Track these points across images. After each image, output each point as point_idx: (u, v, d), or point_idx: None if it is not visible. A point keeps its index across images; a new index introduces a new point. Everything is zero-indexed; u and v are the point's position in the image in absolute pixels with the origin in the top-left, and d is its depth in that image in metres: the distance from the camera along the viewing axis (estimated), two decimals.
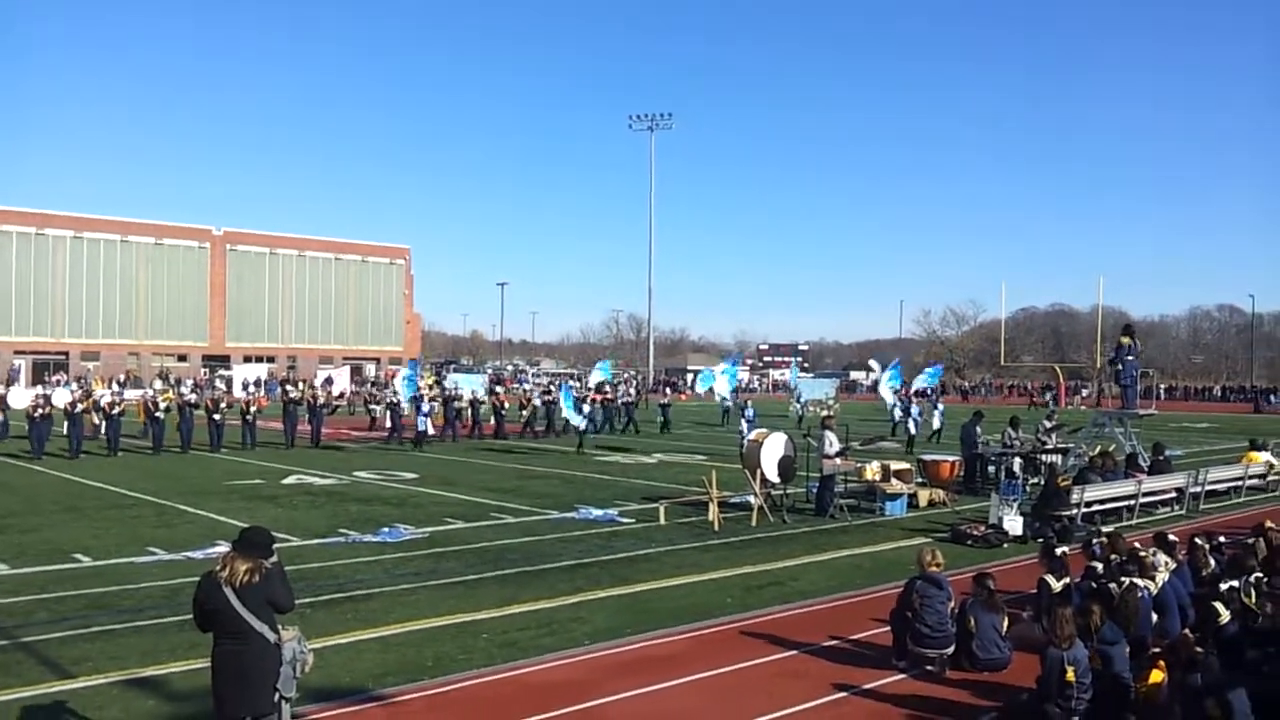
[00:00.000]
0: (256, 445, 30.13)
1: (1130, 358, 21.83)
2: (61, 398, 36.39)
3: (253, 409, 31.18)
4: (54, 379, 66.21)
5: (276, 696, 5.87)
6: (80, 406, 29.05)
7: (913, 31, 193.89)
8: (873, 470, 19.39)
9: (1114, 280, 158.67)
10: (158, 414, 29.58)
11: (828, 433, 18.19)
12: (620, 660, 9.23)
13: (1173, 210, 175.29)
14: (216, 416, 29.98)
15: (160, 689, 8.26)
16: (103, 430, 29.30)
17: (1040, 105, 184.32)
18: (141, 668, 8.77)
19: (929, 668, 8.97)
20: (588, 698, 8.13)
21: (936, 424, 35.20)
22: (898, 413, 36.06)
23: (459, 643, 9.73)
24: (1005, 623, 9.16)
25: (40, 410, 27.75)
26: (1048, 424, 23.78)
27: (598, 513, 17.89)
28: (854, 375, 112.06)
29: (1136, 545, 10.44)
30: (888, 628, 9.48)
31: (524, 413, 38.18)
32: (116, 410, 29.25)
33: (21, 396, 37.10)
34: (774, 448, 17.77)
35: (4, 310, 69.92)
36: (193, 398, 34.19)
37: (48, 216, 73.97)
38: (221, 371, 75.83)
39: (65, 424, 28.96)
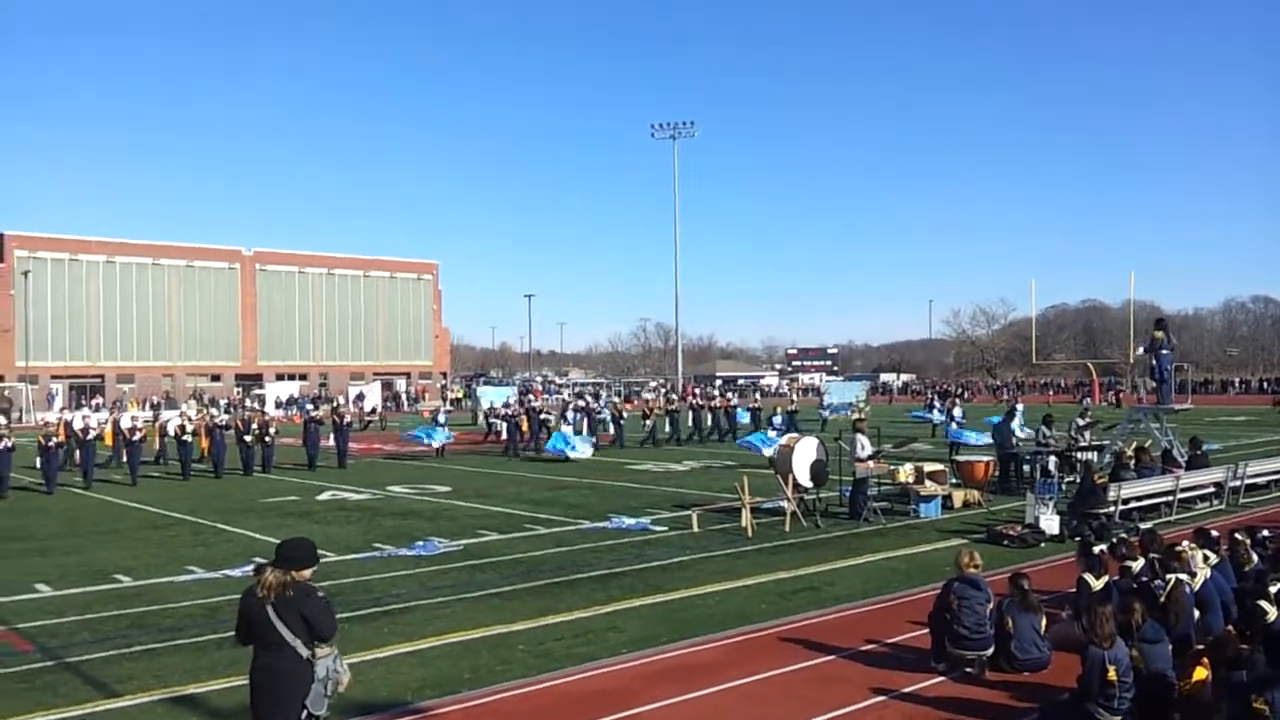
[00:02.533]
0: (271, 468, 28.62)
1: (1164, 351, 21.57)
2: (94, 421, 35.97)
3: (272, 430, 29.92)
4: (92, 402, 67.01)
5: (305, 714, 5.81)
6: (140, 433, 28.47)
7: (937, 33, 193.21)
8: (906, 472, 19.29)
9: (1146, 274, 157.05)
10: (185, 438, 28.18)
11: (859, 436, 18.12)
12: (657, 668, 9.23)
13: (1203, 202, 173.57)
14: (248, 438, 28.90)
15: (202, 706, 8.34)
16: (123, 458, 28.06)
17: (1069, 102, 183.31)
18: (184, 686, 8.86)
19: (968, 670, 8.91)
20: (626, 706, 8.13)
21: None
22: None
23: (496, 654, 9.76)
24: (1043, 623, 9.07)
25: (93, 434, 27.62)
26: (1081, 421, 23.56)
27: (630, 521, 17.90)
28: (884, 377, 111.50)
29: (1185, 545, 10.30)
30: (925, 630, 9.42)
31: (647, 423, 37.66)
32: (137, 436, 28.01)
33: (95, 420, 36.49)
34: (806, 452, 17.72)
35: (40, 336, 70.88)
36: (224, 419, 32.94)
37: (81, 243, 75.03)
38: (255, 390, 76.49)
39: (74, 451, 28.54)
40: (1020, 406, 28.72)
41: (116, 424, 31.17)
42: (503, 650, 9.91)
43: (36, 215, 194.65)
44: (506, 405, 39.29)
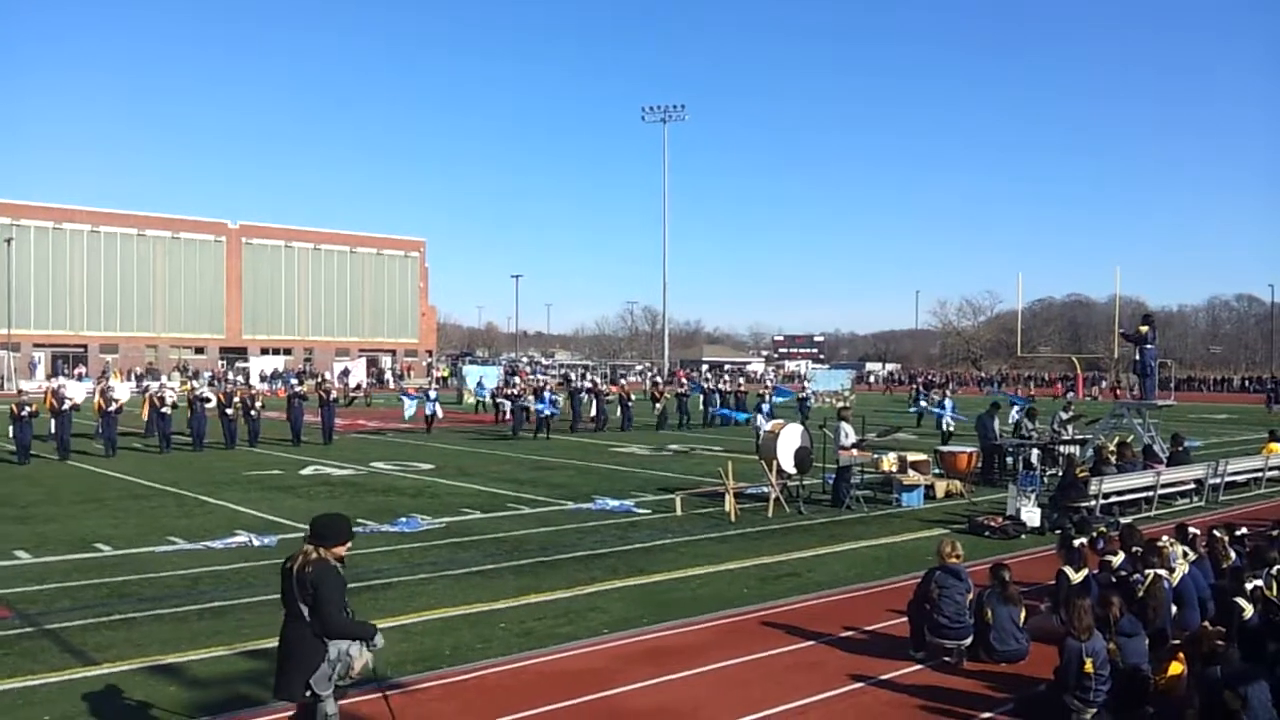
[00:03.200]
0: (259, 443, 28.35)
1: (1148, 347, 21.69)
2: (77, 391, 35.00)
3: (257, 404, 29.64)
4: (75, 372, 66.63)
5: (309, 691, 5.78)
6: (117, 404, 27.35)
7: (928, 24, 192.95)
8: (890, 461, 19.38)
9: (1131, 270, 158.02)
10: (164, 410, 27.93)
11: (844, 424, 18.17)
12: (637, 650, 9.26)
13: (1190, 200, 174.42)
14: (229, 411, 28.66)
15: (182, 676, 8.32)
16: (99, 429, 26.88)
17: (1057, 97, 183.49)
18: (163, 655, 8.84)
19: (946, 659, 8.96)
20: (605, 687, 8.16)
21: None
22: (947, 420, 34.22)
23: (477, 632, 9.78)
24: (1022, 614, 9.13)
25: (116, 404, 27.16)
26: (1064, 415, 23.68)
27: (614, 503, 17.92)
28: (870, 367, 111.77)
29: (1165, 541, 10.38)
30: (904, 619, 9.47)
31: (657, 406, 37.72)
32: (114, 407, 26.90)
33: (79, 390, 35.38)
34: (790, 439, 17.77)
35: (24, 304, 70.37)
36: (205, 392, 31.86)
37: (65, 211, 74.42)
38: (239, 364, 76.18)
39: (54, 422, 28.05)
40: (1019, 400, 28.58)
41: (150, 397, 30.42)
42: (484, 628, 9.92)
43: (20, 182, 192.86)
44: (512, 385, 38.98)
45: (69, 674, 8.35)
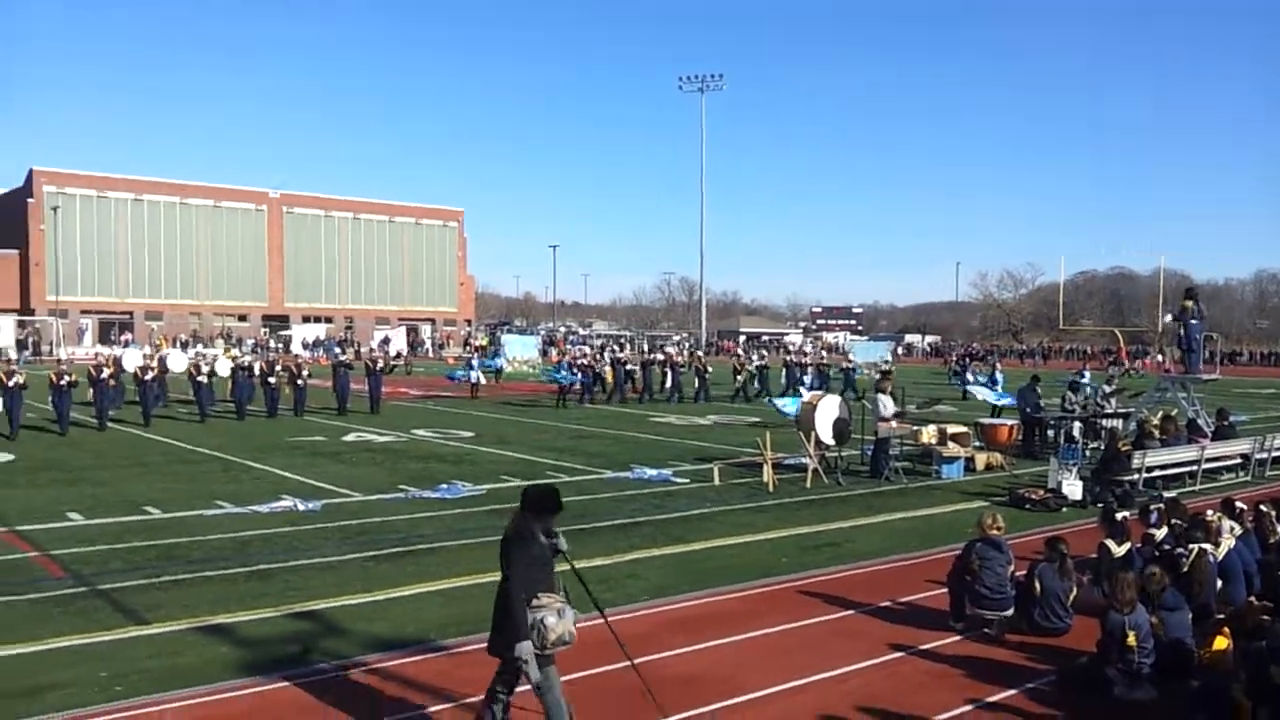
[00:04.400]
0: (305, 412, 28.04)
1: (1194, 321, 21.36)
2: (132, 360, 35.01)
3: (304, 373, 29.22)
4: (121, 338, 67.70)
5: (509, 652, 6.00)
6: (152, 372, 27.59)
7: None
8: (929, 433, 19.28)
9: (1176, 243, 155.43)
10: (200, 378, 27.45)
11: (882, 396, 18.09)
12: (675, 617, 9.33)
13: (1237, 171, 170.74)
14: (272, 380, 28.34)
15: (231, 635, 8.51)
16: (138, 397, 26.52)
17: (1102, 69, 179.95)
18: (212, 615, 9.04)
19: (986, 630, 8.95)
20: (645, 653, 8.22)
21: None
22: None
23: None
24: (1074, 593, 9.02)
25: (152, 372, 27.33)
26: (1107, 388, 23.42)
27: (652, 472, 17.99)
28: (909, 339, 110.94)
29: (1211, 515, 10.28)
30: (943, 590, 9.47)
31: (739, 378, 37.49)
32: (150, 375, 26.96)
33: (134, 358, 35.08)
34: (829, 410, 17.73)
35: (70, 271, 71.46)
36: (247, 360, 31.90)
37: (109, 180, 75.31)
38: (281, 332, 76.99)
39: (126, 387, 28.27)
40: (1087, 374, 27.90)
41: (162, 362, 30.58)
42: None
43: (65, 151, 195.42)
44: (584, 355, 38.93)
45: (121, 633, 8.56)
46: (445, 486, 16.11)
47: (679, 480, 17.42)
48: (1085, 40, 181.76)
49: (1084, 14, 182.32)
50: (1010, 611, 8.94)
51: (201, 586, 10.11)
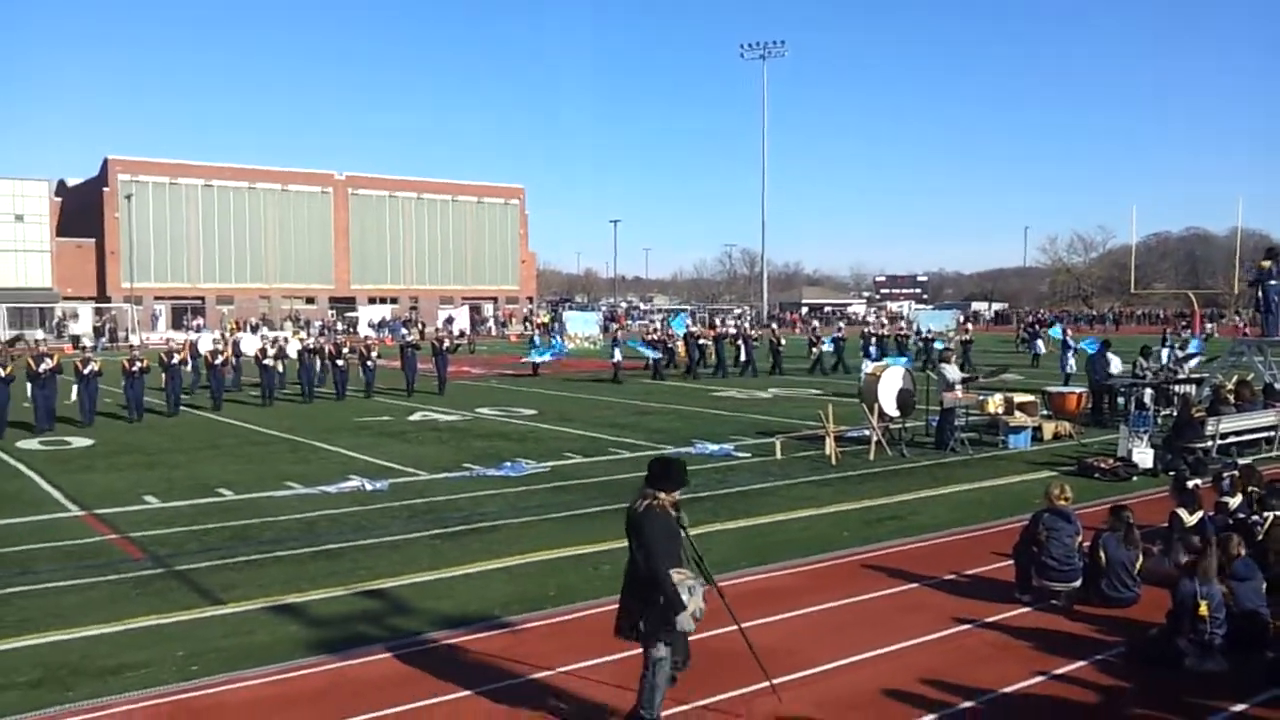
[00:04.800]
0: (374, 393, 27.96)
1: (1272, 282, 20.70)
2: (204, 345, 34.57)
3: (373, 354, 29.25)
4: (193, 323, 69.29)
5: (635, 632, 6.03)
6: (222, 356, 27.59)
7: None
8: (995, 403, 18.99)
9: (1253, 200, 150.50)
10: (266, 361, 27.19)
11: (946, 365, 17.85)
12: (740, 592, 9.29)
13: None
14: (340, 363, 28.19)
15: (301, 614, 8.71)
16: (208, 382, 26.74)
17: (1170, 23, 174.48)
18: (284, 595, 9.26)
19: (1054, 602, 8.84)
20: (707, 628, 8.21)
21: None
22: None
23: (580, 573, 9.98)
24: (1140, 561, 8.88)
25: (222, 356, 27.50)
26: (1180, 353, 22.85)
27: (714, 448, 17.99)
28: (975, 306, 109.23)
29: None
30: (1009, 562, 9.36)
31: (813, 351, 37.35)
32: (220, 360, 26.96)
33: (205, 343, 35.07)
34: (892, 381, 17.55)
35: (143, 258, 73.16)
36: (313, 343, 31.78)
37: (180, 166, 76.83)
38: (348, 314, 78.15)
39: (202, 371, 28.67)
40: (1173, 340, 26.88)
41: (235, 345, 30.53)
42: (587, 569, 10.13)
43: (138, 140, 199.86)
44: (656, 331, 38.87)
45: (198, 613, 8.81)
46: (509, 464, 16.28)
47: (741, 455, 17.40)
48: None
49: None
50: (1078, 583, 8.82)
51: (272, 566, 10.35)
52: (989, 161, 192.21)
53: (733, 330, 40.29)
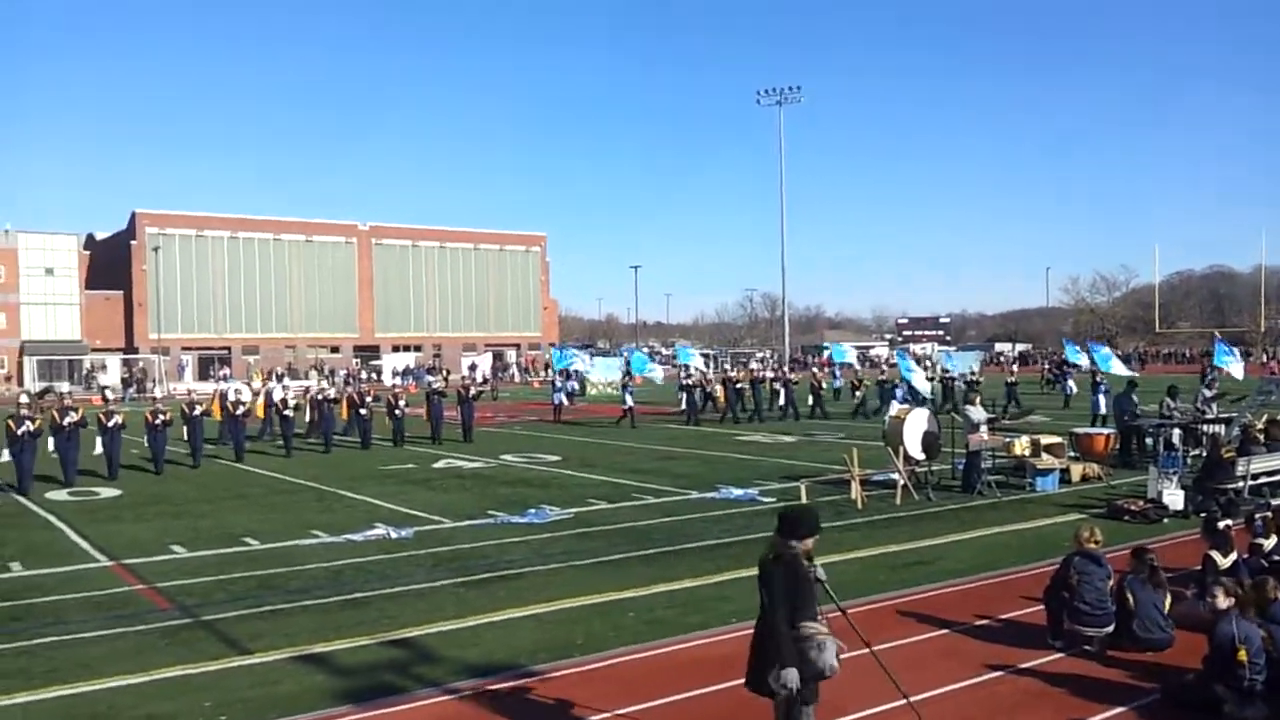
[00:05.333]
0: (404, 443, 27.61)
1: None
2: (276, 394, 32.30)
3: (401, 403, 28.56)
4: (220, 373, 69.83)
5: (767, 686, 5.85)
6: (244, 407, 27.00)
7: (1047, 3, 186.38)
8: (1022, 445, 18.85)
9: (1278, 236, 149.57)
10: (286, 412, 26.86)
11: (971, 406, 17.75)
12: None
13: None
14: (363, 412, 27.83)
15: (328, 664, 8.69)
16: (275, 426, 26.96)
17: (1190, 57, 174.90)
18: (310, 644, 9.25)
19: (1086, 647, 8.71)
20: (735, 675, 8.13)
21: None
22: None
23: (607, 620, 9.93)
24: (1168, 601, 8.80)
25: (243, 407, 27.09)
26: (1208, 392, 22.64)
27: (738, 492, 17.92)
28: (999, 347, 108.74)
29: None
30: (1039, 607, 9.25)
31: (856, 394, 36.52)
32: (242, 410, 26.58)
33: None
34: (917, 424, 17.47)
35: (170, 309, 74.06)
36: (332, 392, 31.47)
37: (206, 219, 78.01)
38: (372, 362, 78.63)
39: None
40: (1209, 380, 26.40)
41: (269, 395, 30.35)
42: (614, 617, 10.07)
43: (165, 194, 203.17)
44: (690, 375, 38.34)
45: (225, 663, 8.81)
46: (533, 511, 16.27)
47: (766, 500, 17.31)
48: (1169, 40, 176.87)
49: (1167, 16, 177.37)
50: (1111, 628, 8.70)
51: (299, 616, 10.35)
52: (1009, 201, 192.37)
53: (770, 374, 39.48)
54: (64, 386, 47.15)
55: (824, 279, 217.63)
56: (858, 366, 52.34)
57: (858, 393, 36.55)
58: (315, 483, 20.68)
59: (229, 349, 77.63)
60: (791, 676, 5.73)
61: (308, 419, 30.32)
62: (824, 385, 37.21)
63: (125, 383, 64.72)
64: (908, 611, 10.06)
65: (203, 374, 72.80)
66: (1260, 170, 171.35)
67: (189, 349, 75.89)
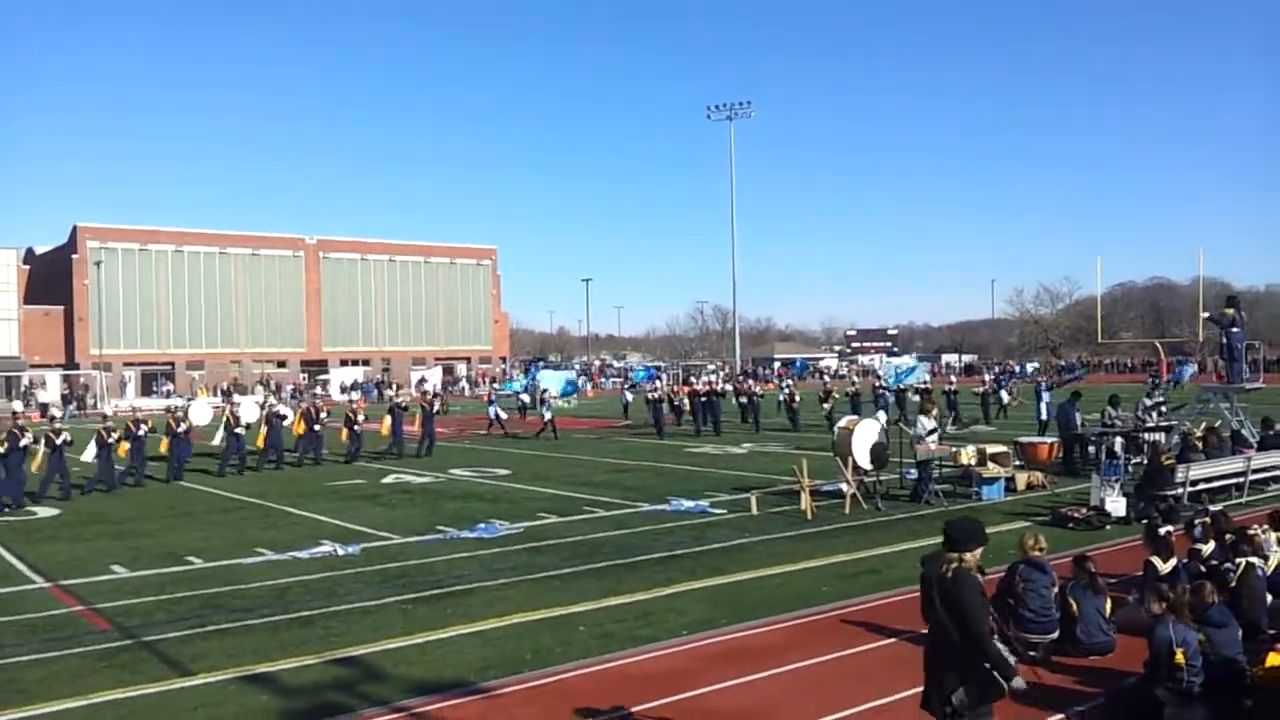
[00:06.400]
0: (358, 458, 27.13)
1: (1235, 330, 21.02)
2: (199, 413, 32.45)
3: (359, 417, 28.10)
4: (163, 389, 68.66)
5: (949, 708, 5.59)
6: (184, 424, 25.94)
7: (992, 12, 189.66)
8: (968, 454, 19.07)
9: (1215, 251, 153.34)
10: (237, 430, 25.94)
11: (922, 416, 17.93)
12: (718, 650, 9.26)
13: (1276, 175, 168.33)
14: (316, 428, 27.09)
15: (273, 685, 8.54)
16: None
17: (1131, 77, 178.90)
18: (254, 665, 9.08)
19: (1032, 654, 8.80)
20: (687, 688, 8.18)
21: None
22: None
23: (557, 635, 9.87)
24: (1108, 605, 8.95)
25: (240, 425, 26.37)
26: (1148, 401, 23.09)
27: (689, 504, 17.93)
28: (946, 358, 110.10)
29: (1257, 529, 10.08)
30: None
31: (825, 406, 35.46)
32: (183, 428, 25.62)
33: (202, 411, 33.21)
34: (866, 434, 17.60)
35: (113, 324, 72.65)
36: (282, 409, 30.21)
37: (150, 233, 76.65)
38: (319, 376, 77.71)
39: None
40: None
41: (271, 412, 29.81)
42: (564, 631, 10.01)
43: (107, 207, 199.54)
44: (655, 389, 37.90)
45: (167, 684, 8.62)
46: (483, 526, 16.14)
47: (716, 511, 17.34)
48: (1114, 50, 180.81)
49: (1111, 24, 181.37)
50: (1056, 634, 8.81)
51: (243, 635, 10.17)
52: (955, 214, 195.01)
53: (730, 387, 39.30)
54: (15, 406, 45.61)
55: (774, 291, 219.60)
56: (828, 378, 52.65)
57: (825, 405, 35.88)
58: (260, 499, 20.37)
59: (172, 364, 76.30)
60: (1019, 684, 5.59)
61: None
62: (796, 398, 37.28)
63: (65, 399, 63.33)
64: (858, 621, 10.10)
65: (145, 390, 71.50)
66: (1199, 185, 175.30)
67: (131, 364, 74.43)
